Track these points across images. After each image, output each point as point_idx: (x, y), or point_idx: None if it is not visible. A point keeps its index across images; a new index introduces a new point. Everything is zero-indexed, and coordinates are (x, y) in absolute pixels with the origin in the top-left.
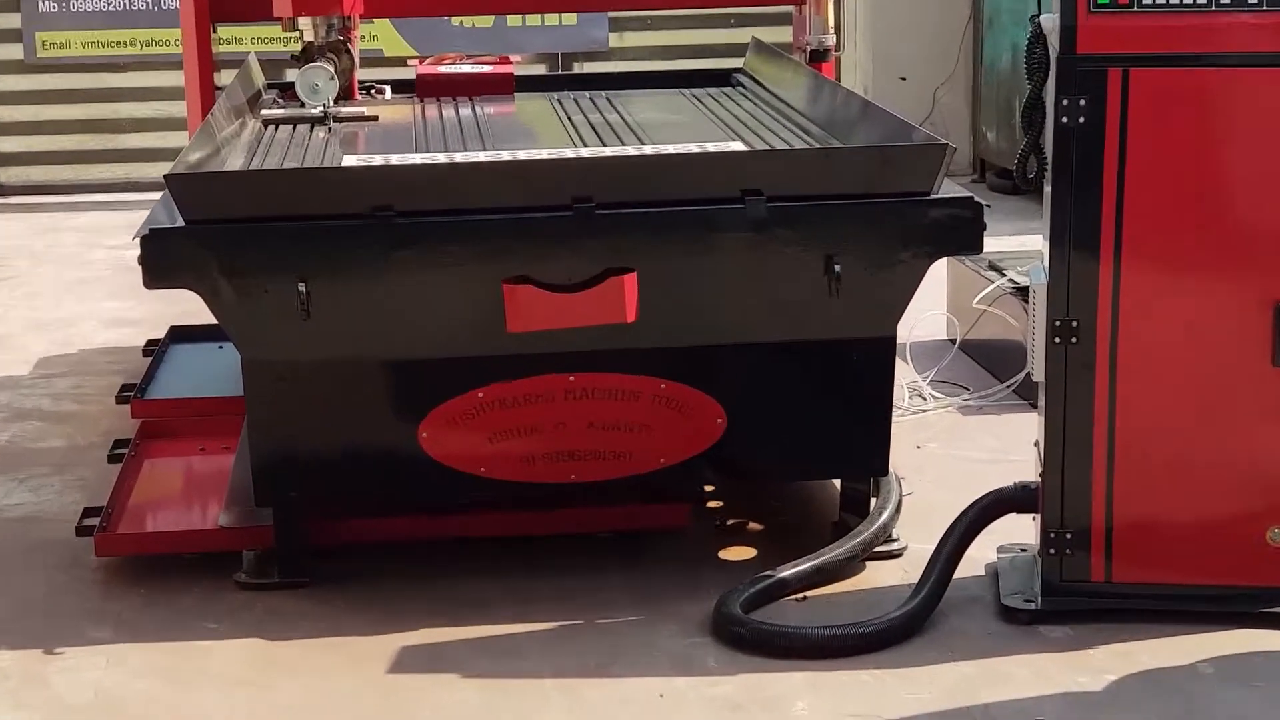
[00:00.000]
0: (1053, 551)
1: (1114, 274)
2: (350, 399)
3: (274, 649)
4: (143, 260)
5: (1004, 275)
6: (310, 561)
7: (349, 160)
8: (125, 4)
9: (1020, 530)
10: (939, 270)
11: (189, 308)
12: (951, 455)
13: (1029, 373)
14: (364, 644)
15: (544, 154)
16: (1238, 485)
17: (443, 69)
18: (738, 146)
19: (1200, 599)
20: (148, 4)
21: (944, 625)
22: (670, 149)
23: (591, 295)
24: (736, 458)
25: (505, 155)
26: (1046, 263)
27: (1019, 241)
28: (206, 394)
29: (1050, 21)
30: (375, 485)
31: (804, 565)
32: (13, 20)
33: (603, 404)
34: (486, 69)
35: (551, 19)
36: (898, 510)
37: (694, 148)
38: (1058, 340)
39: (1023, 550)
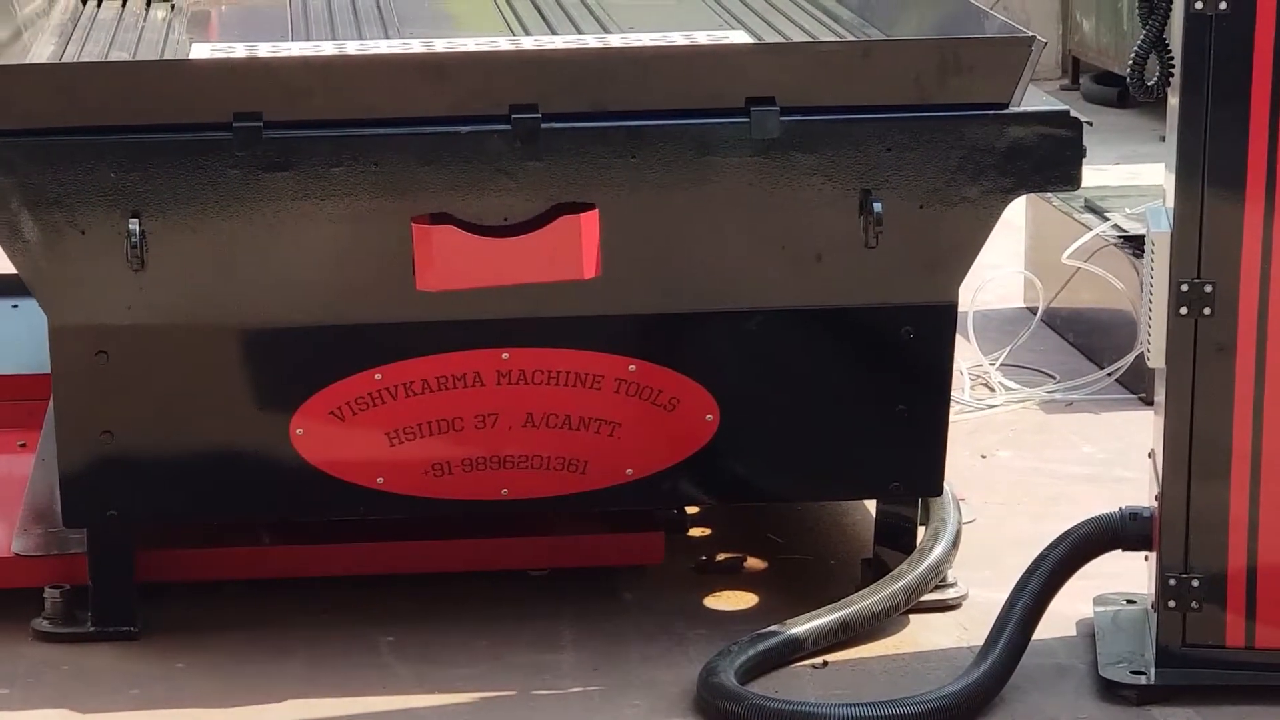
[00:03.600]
0: (1173, 604)
1: (1265, 219)
2: (196, 382)
3: None
4: None
5: (1107, 220)
6: (138, 604)
7: (199, 50)
8: None
9: (1128, 575)
10: (1016, 212)
11: None
12: (1031, 468)
13: (1141, 355)
14: (210, 719)
15: (470, 44)
16: None
17: None
18: (741, 37)
19: None
20: None
21: (1019, 705)
22: (646, 39)
23: (536, 241)
24: (732, 468)
25: (417, 45)
26: (1171, 203)
27: (1128, 173)
28: None
29: None
30: (229, 501)
31: (824, 619)
32: None
33: (548, 392)
34: None
35: None
36: (955, 544)
37: (679, 37)
38: (1185, 311)
39: (1130, 602)
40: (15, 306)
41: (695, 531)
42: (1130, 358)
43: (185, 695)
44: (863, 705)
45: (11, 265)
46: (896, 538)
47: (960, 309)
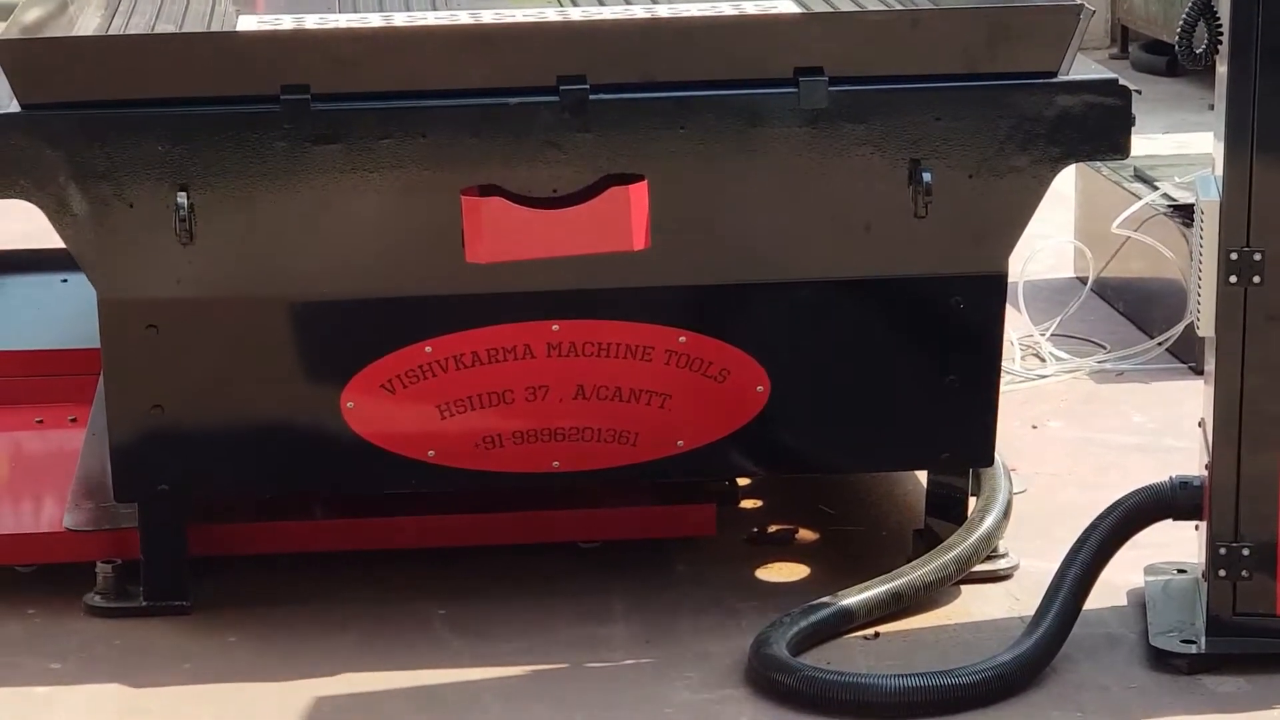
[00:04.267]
0: (1224, 573)
1: None
2: (247, 355)
3: (139, 699)
4: None
5: (1156, 189)
6: (189, 578)
7: (246, 22)
8: None
9: (1178, 544)
10: (1066, 182)
11: (26, 226)
12: (1082, 438)
13: (1191, 324)
14: (263, 693)
15: (518, 15)
16: None
17: None
18: (789, 6)
19: None
20: None
21: (1070, 674)
22: (694, 9)
23: (585, 213)
24: (783, 440)
25: (464, 16)
26: (1220, 171)
27: (1177, 142)
28: (45, 345)
29: None
30: (280, 474)
31: (875, 590)
32: None
33: (599, 364)
34: None
35: None
36: (1006, 515)
37: (727, 7)
38: (1234, 280)
39: (1181, 572)
40: (64, 281)
41: (747, 503)
42: (1180, 327)
43: (238, 669)
44: (914, 676)
45: (60, 239)
46: (948, 508)
47: (1010, 279)
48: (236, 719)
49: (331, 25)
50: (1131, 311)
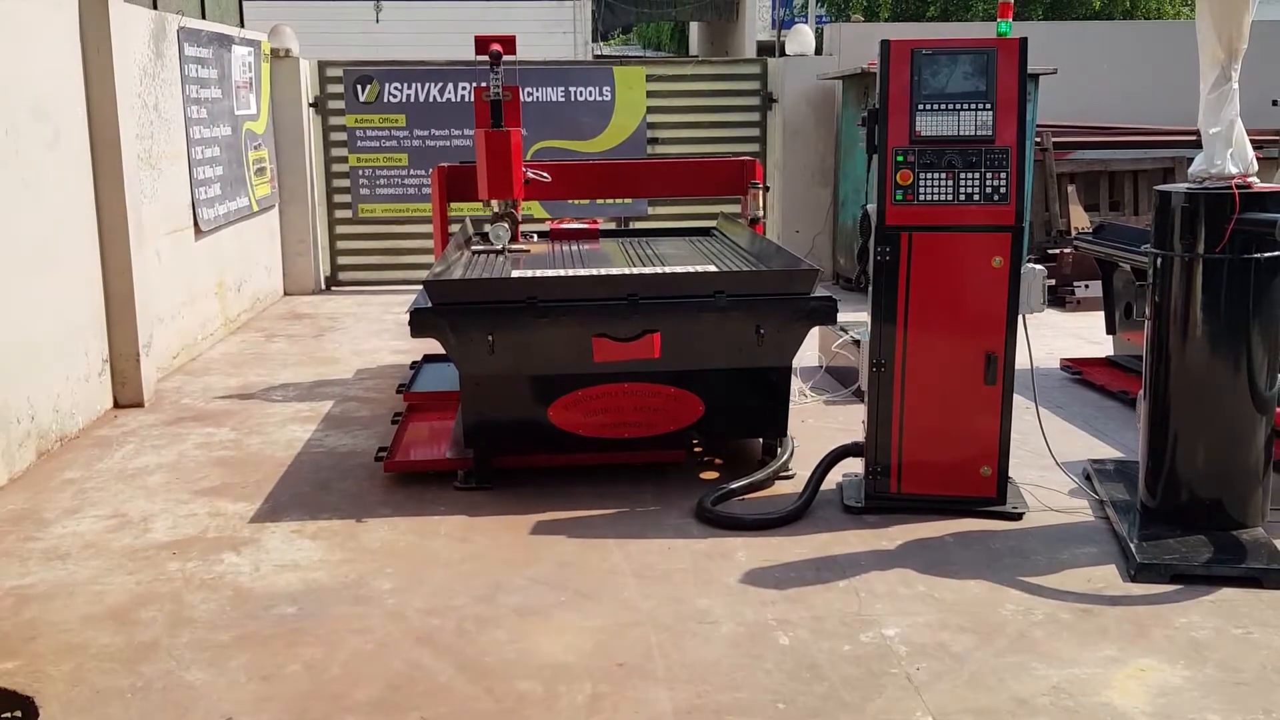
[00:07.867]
0: (871, 477)
1: (903, 335)
2: (513, 394)
3: (472, 521)
4: (410, 323)
5: (848, 334)
6: (492, 476)
7: (516, 273)
8: (404, 190)
9: (855, 465)
10: (815, 331)
11: (434, 346)
12: (821, 426)
13: (860, 386)
14: (518, 520)
15: (614, 271)
16: (965, 444)
17: (563, 226)
18: (713, 268)
19: (947, 502)
20: (417, 190)
21: (815, 515)
22: (677, 269)
23: (637, 344)
24: (710, 427)
25: (595, 271)
26: (869, 329)
27: (856, 316)
28: (442, 389)
29: (872, 207)
30: (525, 440)
31: (743, 481)
32: (347, 198)
33: (641, 399)
34: (585, 225)
35: (618, 200)
36: (791, 455)
37: (690, 268)
38: (874, 369)
39: (856, 475)
40: (449, 365)
41: (697, 449)
42: (856, 386)
43: (508, 508)
44: (757, 512)
45: (445, 350)
46: (771, 452)
47: (794, 365)
48: (506, 530)
49: (546, 274)
50: (840, 378)
